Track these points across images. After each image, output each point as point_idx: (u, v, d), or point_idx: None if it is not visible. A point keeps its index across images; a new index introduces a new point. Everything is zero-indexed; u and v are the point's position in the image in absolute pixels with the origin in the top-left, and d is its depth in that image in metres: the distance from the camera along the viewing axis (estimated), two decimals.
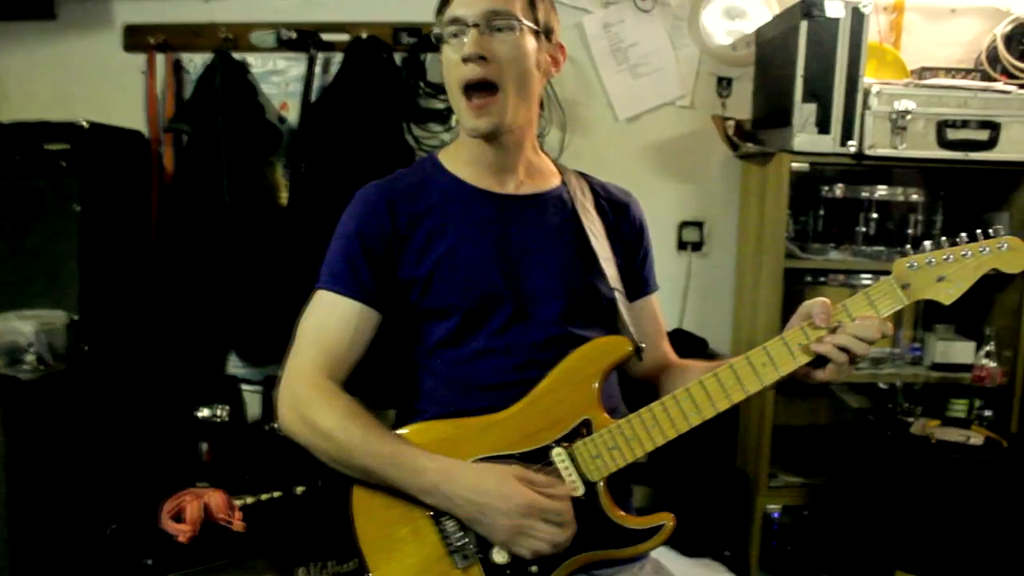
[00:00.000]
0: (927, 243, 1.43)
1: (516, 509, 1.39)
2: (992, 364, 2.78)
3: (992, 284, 1.36)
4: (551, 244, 1.61)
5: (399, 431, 1.52)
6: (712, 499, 2.90)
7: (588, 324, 1.60)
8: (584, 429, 1.50)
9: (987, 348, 2.79)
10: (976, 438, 2.60)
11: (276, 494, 2.42)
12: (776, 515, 2.95)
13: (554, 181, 1.68)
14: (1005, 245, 1.40)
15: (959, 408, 2.85)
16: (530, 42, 1.54)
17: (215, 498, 2.16)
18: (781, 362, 1.44)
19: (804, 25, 2.62)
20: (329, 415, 1.46)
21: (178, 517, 2.15)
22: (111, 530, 2.43)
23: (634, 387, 1.72)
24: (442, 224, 1.57)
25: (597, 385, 1.52)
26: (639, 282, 1.73)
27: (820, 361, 1.44)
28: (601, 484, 1.48)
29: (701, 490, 2.89)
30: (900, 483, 2.57)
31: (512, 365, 1.54)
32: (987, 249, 1.41)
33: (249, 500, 2.33)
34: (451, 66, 1.54)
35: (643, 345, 1.60)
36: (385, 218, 1.56)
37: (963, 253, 1.41)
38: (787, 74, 2.69)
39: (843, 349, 1.41)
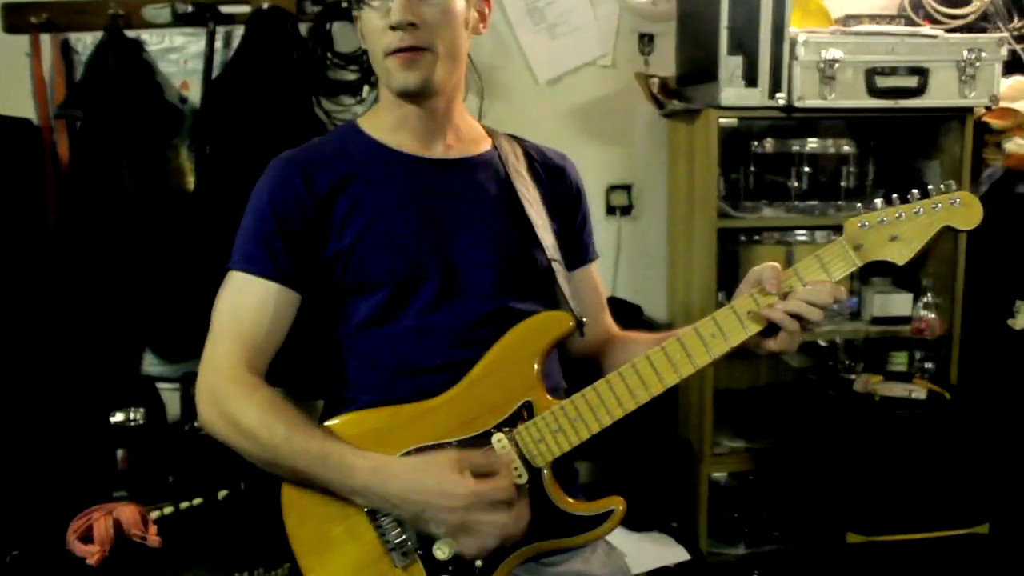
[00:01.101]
0: (878, 201, 1.38)
1: (459, 503, 1.29)
2: (930, 315, 2.75)
3: (941, 230, 1.36)
4: (483, 211, 1.52)
5: (328, 423, 1.42)
6: (656, 470, 2.84)
7: (525, 297, 1.51)
8: (525, 412, 1.41)
9: (924, 299, 2.76)
10: (919, 392, 2.57)
11: (196, 501, 2.29)
12: (723, 482, 2.89)
13: (485, 145, 1.59)
14: (957, 200, 1.36)
15: (900, 361, 2.83)
16: (459, 1, 1.45)
17: (126, 513, 2.01)
18: (731, 332, 1.37)
19: None
20: (251, 411, 1.35)
21: (87, 537, 2.00)
22: (11, 557, 2.24)
23: (575, 365, 1.63)
24: (364, 192, 1.47)
25: (537, 365, 1.43)
26: (578, 250, 1.65)
27: (771, 330, 1.37)
28: (546, 470, 1.40)
29: (645, 462, 2.83)
30: (846, 443, 2.53)
31: (445, 345, 1.45)
32: (939, 205, 1.37)
33: (167, 510, 2.19)
34: (375, 32, 1.43)
35: (585, 319, 1.52)
36: (301, 189, 1.44)
37: (915, 211, 1.37)
38: (711, 27, 2.60)
39: (795, 316, 1.34)
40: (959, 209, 1.36)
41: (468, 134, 1.59)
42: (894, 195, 1.37)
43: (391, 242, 1.45)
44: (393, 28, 1.40)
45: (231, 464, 1.55)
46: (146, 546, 2.06)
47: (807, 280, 1.36)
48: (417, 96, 1.47)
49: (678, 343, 1.38)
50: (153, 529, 2.08)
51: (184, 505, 2.26)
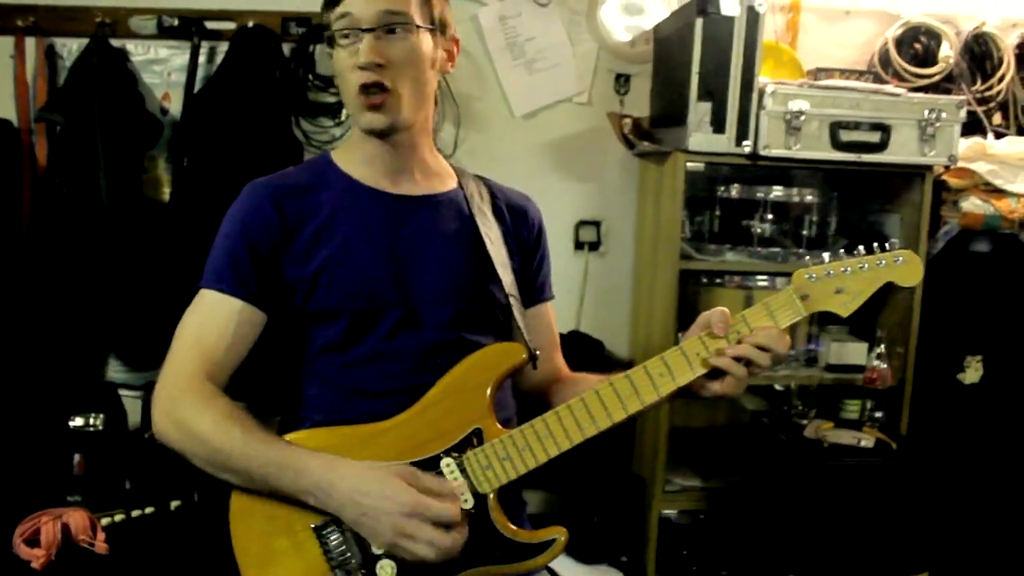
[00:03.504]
0: (826, 254, 1.44)
1: (399, 509, 1.31)
2: (883, 365, 2.80)
3: (884, 285, 1.43)
4: (445, 247, 1.56)
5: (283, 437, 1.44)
6: (609, 504, 2.87)
7: (481, 330, 1.56)
8: (475, 439, 1.44)
9: (878, 349, 2.82)
10: (867, 440, 2.61)
11: (148, 510, 2.29)
12: (674, 519, 2.93)
13: (450, 183, 1.64)
14: (901, 259, 1.43)
15: (852, 409, 2.87)
16: (426, 42, 1.51)
17: (76, 518, 2.01)
18: (679, 372, 1.41)
19: (699, 22, 2.59)
20: (207, 417, 1.38)
21: (34, 540, 2.00)
22: None
23: (526, 399, 1.66)
24: (331, 223, 1.51)
25: (489, 393, 1.46)
26: (534, 289, 1.70)
27: (717, 373, 1.41)
28: (492, 496, 1.42)
29: (598, 495, 2.86)
30: (793, 486, 2.57)
31: (401, 371, 1.48)
32: (883, 262, 1.43)
33: (118, 518, 2.19)
34: (344, 69, 1.49)
35: (538, 352, 1.55)
36: (272, 215, 1.49)
37: (860, 266, 1.43)
38: (683, 72, 2.66)
39: (741, 360, 1.39)
40: (901, 266, 1.42)
41: (435, 170, 1.63)
42: (841, 249, 1.44)
43: (354, 274, 1.49)
44: (361, 68, 1.45)
45: (187, 474, 1.57)
46: (93, 553, 2.06)
47: (754, 326, 1.41)
48: (384, 135, 1.52)
49: (627, 380, 1.42)
50: (101, 536, 2.07)
51: (135, 513, 2.26)
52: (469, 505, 1.40)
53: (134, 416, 2.95)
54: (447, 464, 1.42)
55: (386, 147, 1.55)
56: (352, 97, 1.50)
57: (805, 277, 1.43)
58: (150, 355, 2.94)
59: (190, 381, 1.42)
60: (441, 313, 1.52)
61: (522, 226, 1.68)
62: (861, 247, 1.44)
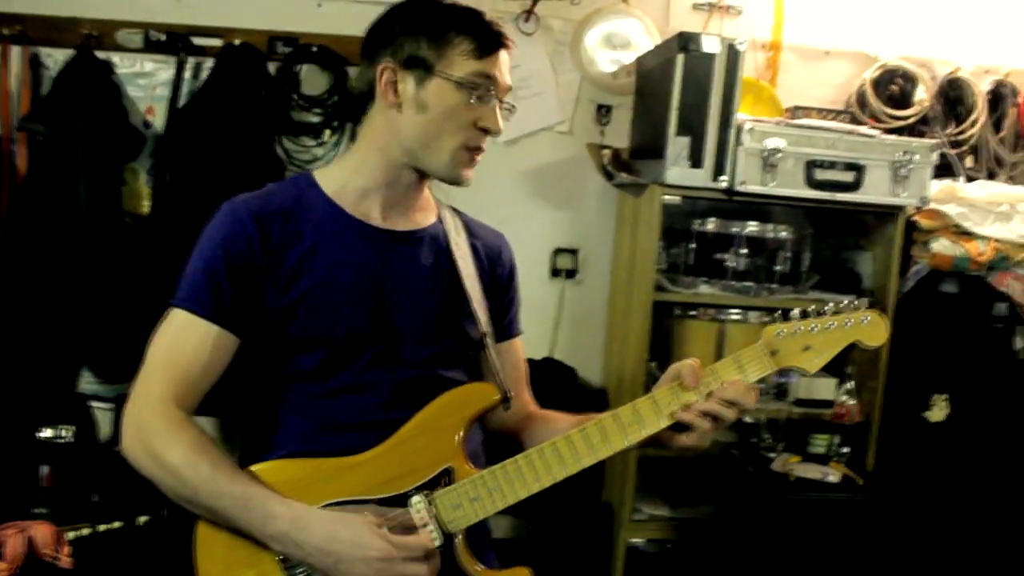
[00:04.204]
0: (796, 311, 1.48)
1: (375, 555, 1.32)
2: (852, 401, 2.84)
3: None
4: (424, 284, 1.56)
5: (251, 467, 1.43)
6: (576, 530, 2.88)
7: (455, 366, 1.57)
8: (445, 478, 1.45)
9: (847, 386, 2.85)
10: (834, 475, 2.64)
11: (116, 525, 2.27)
12: (641, 547, 2.93)
13: (431, 217, 1.63)
14: (867, 319, 1.47)
15: (820, 444, 2.89)
16: None
17: (41, 531, 1.99)
18: (648, 421, 1.45)
19: (680, 59, 2.63)
20: (176, 449, 1.36)
21: None
22: None
23: (493, 437, 1.67)
24: (314, 253, 1.48)
25: (461, 433, 1.48)
26: (504, 324, 1.70)
27: (685, 426, 1.44)
28: (460, 536, 1.43)
29: (566, 521, 2.86)
30: (760, 519, 2.60)
31: (375, 404, 1.48)
32: (850, 322, 1.47)
33: (84, 532, 2.17)
34: (458, 118, 1.48)
35: (511, 394, 1.56)
36: (254, 237, 1.45)
37: (828, 324, 1.47)
38: (662, 106, 2.70)
39: (708, 415, 1.42)
40: (867, 327, 1.47)
41: (423, 205, 1.62)
42: (811, 307, 1.49)
43: (334, 307, 1.47)
44: (483, 131, 1.49)
45: (156, 490, 1.54)
46: (57, 567, 2.03)
47: (724, 379, 1.45)
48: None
49: (597, 427, 1.44)
50: (67, 550, 2.04)
51: (102, 528, 2.24)
52: (438, 544, 1.40)
53: (105, 428, 2.94)
54: (417, 502, 1.42)
55: (403, 186, 1.55)
56: (452, 148, 1.49)
57: (775, 333, 1.47)
58: (123, 367, 2.88)
59: (160, 407, 1.39)
60: (419, 351, 1.52)
61: (497, 264, 1.68)
62: (830, 304, 1.48)
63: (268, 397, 1.53)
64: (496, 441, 1.65)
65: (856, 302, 1.48)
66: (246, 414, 1.58)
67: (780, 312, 1.49)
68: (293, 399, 1.51)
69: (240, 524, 1.36)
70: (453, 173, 1.51)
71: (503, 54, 1.48)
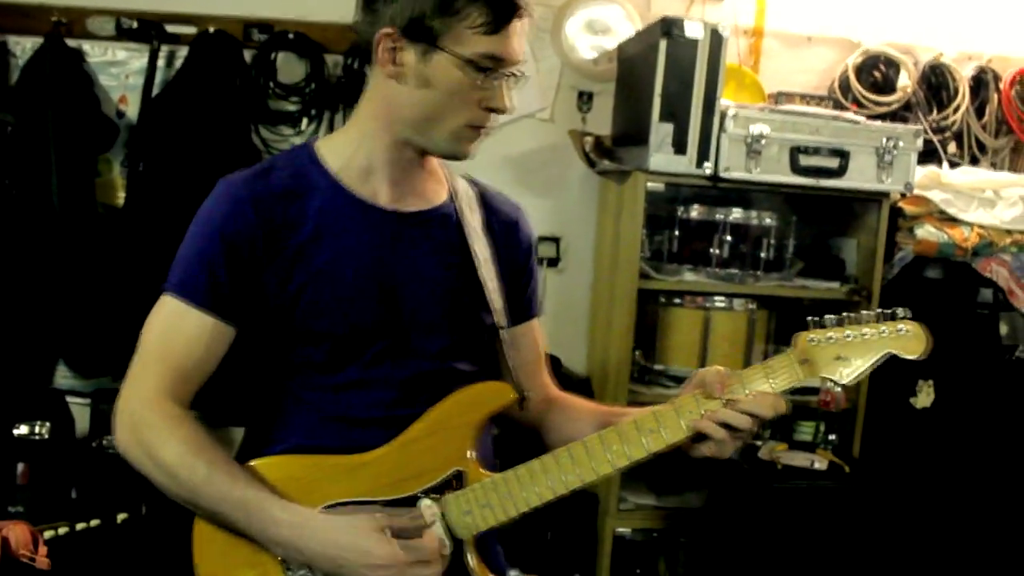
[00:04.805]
0: (830, 316, 1.36)
1: (379, 562, 1.26)
2: (837, 388, 2.82)
3: (838, 309, 1.38)
4: (434, 271, 1.46)
5: (251, 463, 1.36)
6: (562, 520, 2.86)
7: (469, 358, 1.48)
8: (455, 481, 1.37)
9: None
10: (821, 463, 2.64)
11: (94, 523, 2.23)
12: (628, 537, 2.92)
13: (442, 194, 1.51)
14: (904, 329, 1.34)
15: (806, 431, 2.90)
16: None
17: (16, 532, 1.94)
18: (669, 431, 1.36)
19: (663, 44, 2.61)
20: (173, 446, 1.30)
21: None
22: None
23: (510, 428, 1.59)
24: (317, 237, 1.39)
25: (474, 434, 1.40)
26: (522, 307, 1.59)
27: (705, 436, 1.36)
28: (469, 542, 1.36)
29: (552, 510, 2.83)
30: (747, 507, 2.59)
31: (384, 400, 1.40)
32: (886, 331, 1.35)
33: (61, 530, 2.13)
34: (462, 94, 1.35)
35: (528, 393, 1.48)
36: (253, 221, 1.36)
37: (863, 333, 1.35)
38: (645, 93, 2.67)
39: (726, 425, 1.33)
40: (904, 338, 1.34)
41: (431, 178, 1.51)
42: (845, 314, 1.36)
43: (339, 296, 1.39)
44: (490, 111, 1.38)
45: (136, 485, 1.50)
46: (34, 568, 1.99)
47: (750, 388, 1.35)
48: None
49: (616, 433, 1.37)
50: (43, 550, 1.99)
51: (80, 526, 2.20)
52: (448, 550, 1.34)
53: (82, 424, 2.90)
54: (427, 505, 1.35)
55: (406, 161, 1.44)
56: (455, 127, 1.38)
57: (807, 340, 1.35)
58: (100, 362, 2.89)
59: (155, 401, 1.33)
60: (431, 343, 1.44)
61: (513, 242, 1.57)
62: (865, 312, 1.36)
63: (272, 388, 1.45)
64: (511, 433, 1.58)
65: (898, 311, 1.35)
66: (249, 406, 1.49)
67: (812, 319, 1.36)
68: (297, 391, 1.43)
69: (240, 527, 1.31)
70: (454, 149, 1.41)
71: (517, 23, 1.36)
